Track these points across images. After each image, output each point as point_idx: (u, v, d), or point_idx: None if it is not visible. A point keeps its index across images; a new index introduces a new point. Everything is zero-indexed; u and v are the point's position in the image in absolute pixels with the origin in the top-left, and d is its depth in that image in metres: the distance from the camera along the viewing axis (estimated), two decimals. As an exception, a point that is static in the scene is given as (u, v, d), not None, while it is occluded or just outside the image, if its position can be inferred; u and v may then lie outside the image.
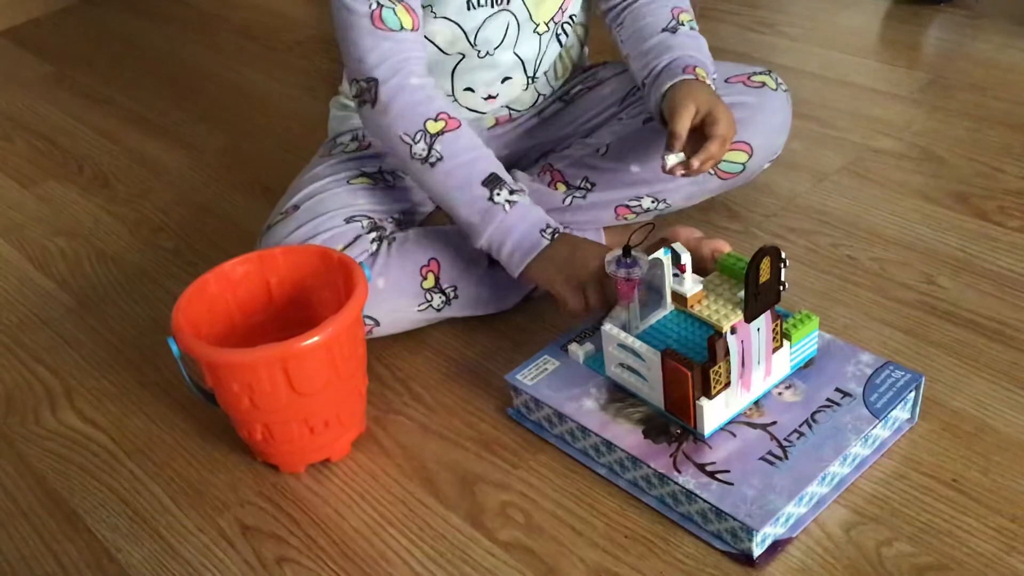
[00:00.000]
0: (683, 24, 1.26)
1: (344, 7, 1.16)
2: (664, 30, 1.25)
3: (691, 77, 1.18)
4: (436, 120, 1.16)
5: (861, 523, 0.99)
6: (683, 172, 1.13)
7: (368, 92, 1.17)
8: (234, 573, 1.03)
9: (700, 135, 1.14)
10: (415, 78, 1.17)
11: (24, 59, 2.45)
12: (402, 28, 1.16)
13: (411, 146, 1.17)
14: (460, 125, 1.17)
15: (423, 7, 1.22)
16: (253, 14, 2.55)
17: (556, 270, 1.15)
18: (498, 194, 1.16)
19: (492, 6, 1.24)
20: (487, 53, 1.28)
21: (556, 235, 1.16)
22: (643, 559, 0.98)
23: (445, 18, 1.24)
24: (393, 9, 1.16)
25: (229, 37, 2.44)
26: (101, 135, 2.01)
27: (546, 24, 1.31)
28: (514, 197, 1.16)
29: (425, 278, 1.24)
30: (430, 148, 1.16)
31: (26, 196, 1.81)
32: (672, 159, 1.13)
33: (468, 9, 1.24)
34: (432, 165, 1.17)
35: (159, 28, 2.54)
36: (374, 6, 1.15)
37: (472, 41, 1.26)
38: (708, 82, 1.19)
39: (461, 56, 1.28)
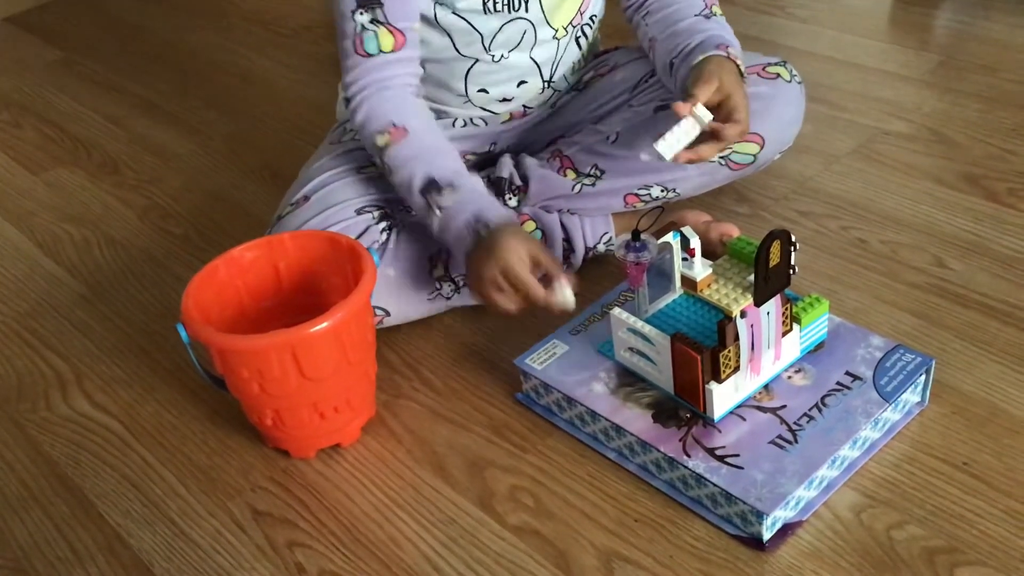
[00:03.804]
0: (715, 14, 1.25)
1: (340, 27, 1.21)
2: (697, 15, 1.24)
3: (723, 54, 1.17)
4: (382, 134, 1.19)
5: (871, 506, 0.99)
6: (688, 159, 1.12)
7: (349, 104, 1.23)
8: (245, 557, 1.04)
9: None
10: (381, 96, 1.20)
11: (32, 45, 2.45)
12: (380, 52, 1.19)
13: (375, 159, 1.22)
14: (407, 133, 1.18)
15: (438, 4, 1.22)
16: (260, -1, 2.55)
17: (472, 271, 1.12)
18: (430, 200, 1.15)
19: (509, 12, 1.24)
20: (502, 56, 1.28)
21: (482, 232, 1.12)
22: (653, 543, 0.99)
23: (458, 15, 1.23)
24: (375, 33, 1.19)
25: (237, 23, 2.43)
26: (109, 121, 2.01)
27: (564, 29, 1.30)
28: (445, 199, 1.15)
29: (435, 267, 1.24)
30: (382, 161, 1.20)
31: (35, 182, 1.82)
32: (677, 144, 1.10)
33: (484, 13, 1.23)
34: (389, 176, 1.20)
35: (167, 14, 2.54)
36: (358, 30, 1.19)
37: (486, 46, 1.26)
38: (739, 63, 1.18)
39: (475, 60, 1.28)
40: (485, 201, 1.15)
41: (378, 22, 1.18)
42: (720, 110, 1.14)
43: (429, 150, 1.18)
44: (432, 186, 1.15)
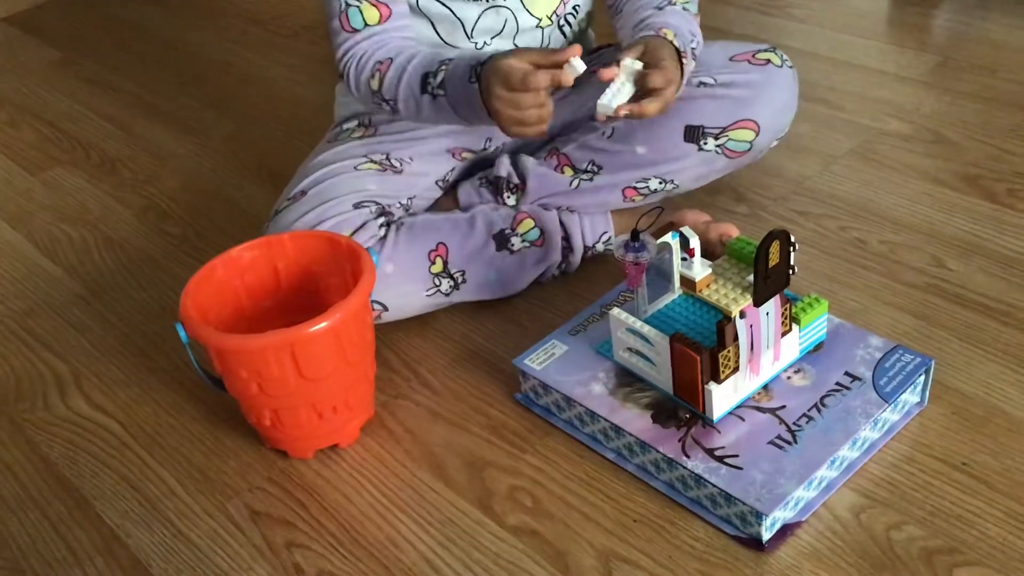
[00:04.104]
0: (675, 4, 1.25)
1: (328, 10, 1.24)
2: (654, 8, 1.25)
3: (653, 33, 1.17)
4: (372, 78, 1.21)
5: (871, 507, 0.99)
6: (624, 115, 1.10)
7: (342, 79, 1.26)
8: (243, 558, 1.04)
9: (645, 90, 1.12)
10: (365, 54, 1.21)
11: (30, 45, 2.45)
12: (367, 25, 1.22)
13: (382, 107, 1.24)
14: (391, 62, 1.20)
15: None
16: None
17: (492, 112, 1.12)
18: (431, 90, 1.17)
19: (486, 0, 1.24)
20: (484, 44, 1.28)
21: (479, 72, 1.12)
22: (652, 543, 0.98)
23: (440, 1, 1.24)
24: (359, 8, 1.21)
25: (235, 23, 2.43)
26: (107, 121, 2.01)
27: (548, 18, 1.30)
28: (440, 77, 1.16)
29: (433, 263, 1.24)
30: (385, 101, 1.21)
31: (33, 183, 1.81)
32: (617, 97, 1.10)
33: None
34: (399, 110, 1.21)
35: (165, 14, 2.54)
36: (343, 7, 1.22)
37: (468, 33, 1.26)
38: (671, 39, 1.17)
39: (459, 48, 1.28)
40: (470, 58, 1.14)
41: None
42: (647, 65, 1.12)
43: (410, 58, 1.19)
44: (426, 80, 1.17)
